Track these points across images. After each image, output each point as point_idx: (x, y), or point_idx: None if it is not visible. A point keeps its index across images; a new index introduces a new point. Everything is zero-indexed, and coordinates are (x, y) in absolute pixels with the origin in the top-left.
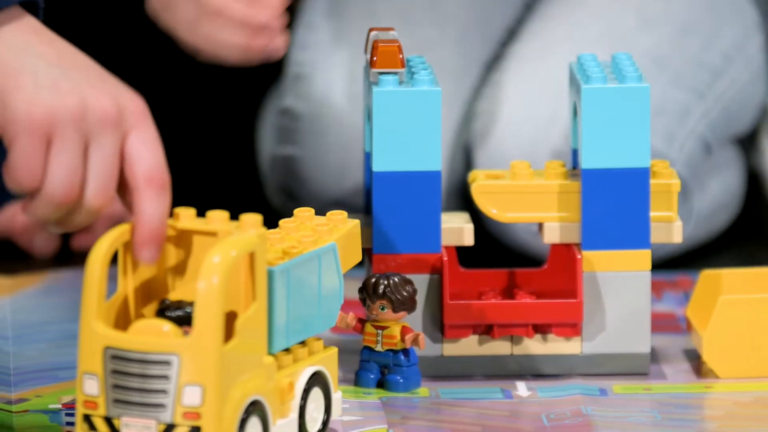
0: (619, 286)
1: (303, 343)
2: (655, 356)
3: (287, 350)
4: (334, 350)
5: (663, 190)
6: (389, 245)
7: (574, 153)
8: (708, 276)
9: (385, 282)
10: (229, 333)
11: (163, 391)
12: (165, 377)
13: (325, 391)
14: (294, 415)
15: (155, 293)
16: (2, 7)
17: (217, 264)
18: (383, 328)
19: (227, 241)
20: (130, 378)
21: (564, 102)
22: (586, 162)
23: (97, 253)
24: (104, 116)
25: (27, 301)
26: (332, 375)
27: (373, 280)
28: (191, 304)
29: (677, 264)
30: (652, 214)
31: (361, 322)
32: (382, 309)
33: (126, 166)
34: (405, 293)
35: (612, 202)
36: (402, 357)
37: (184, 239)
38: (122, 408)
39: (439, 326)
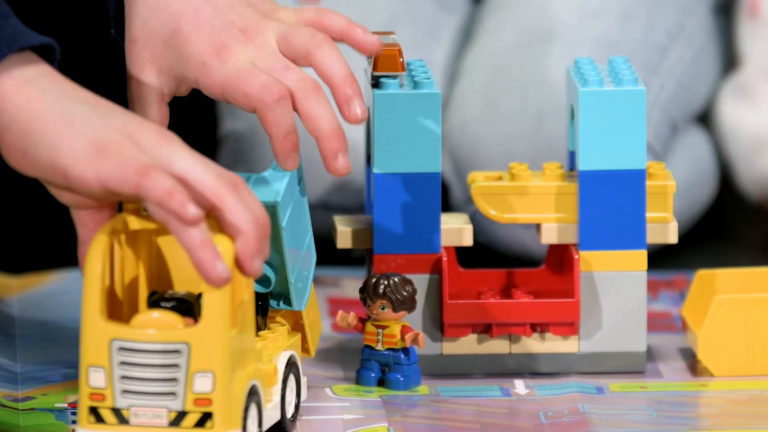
0: (615, 285)
1: (272, 329)
2: (651, 355)
3: (261, 336)
4: (299, 335)
5: (658, 191)
6: (390, 246)
7: (571, 155)
8: (703, 276)
9: (385, 282)
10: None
11: (174, 380)
12: (175, 366)
13: (296, 375)
14: (277, 398)
15: (142, 286)
16: (17, 47)
17: (222, 252)
18: (384, 327)
19: (223, 234)
20: (140, 368)
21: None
22: (583, 164)
23: (97, 247)
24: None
25: (34, 301)
26: (299, 358)
27: (374, 280)
28: (183, 295)
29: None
30: (648, 215)
31: (362, 321)
32: (383, 309)
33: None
34: (405, 293)
35: (609, 203)
36: (402, 356)
37: (165, 232)
38: (131, 398)
39: (439, 325)
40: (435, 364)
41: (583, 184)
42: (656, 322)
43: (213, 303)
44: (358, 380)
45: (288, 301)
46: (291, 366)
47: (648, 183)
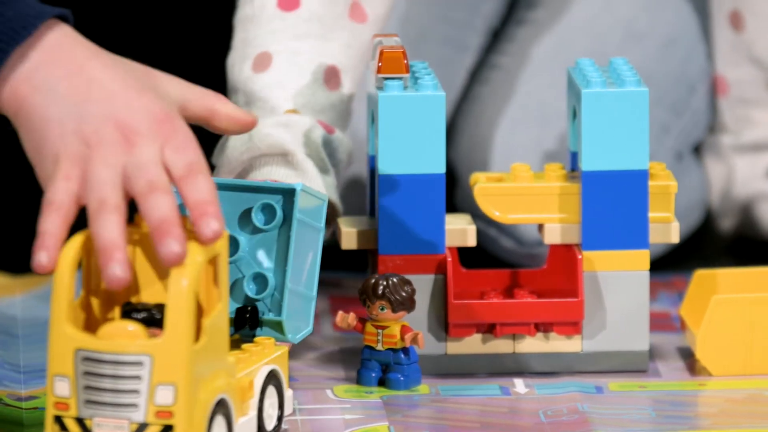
0: (618, 285)
1: (256, 342)
2: (650, 354)
3: (243, 349)
4: (285, 349)
5: (660, 191)
6: (394, 246)
7: (573, 156)
8: (701, 276)
9: (384, 283)
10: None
11: (136, 391)
12: (137, 377)
13: (278, 389)
14: (253, 412)
15: (118, 297)
16: (35, 28)
17: (186, 266)
18: (383, 327)
19: (194, 244)
20: (102, 379)
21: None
22: (586, 164)
23: (66, 257)
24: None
25: (37, 300)
26: (284, 372)
27: (373, 281)
28: (155, 306)
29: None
30: (650, 215)
31: (362, 321)
32: (382, 309)
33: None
34: (404, 293)
35: (611, 204)
36: (402, 355)
37: (144, 243)
38: (94, 408)
39: (444, 325)
40: (439, 364)
41: (585, 184)
42: (655, 322)
43: (176, 315)
44: (359, 380)
45: (279, 311)
46: (271, 379)
47: (650, 183)
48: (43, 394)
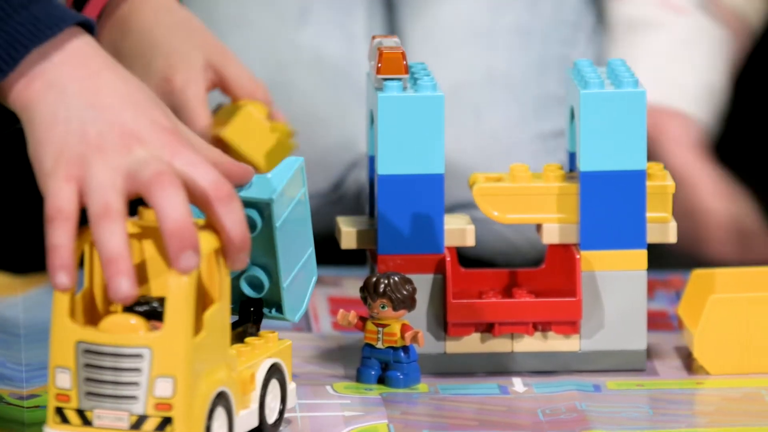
0: (616, 284)
1: (260, 335)
2: (647, 353)
3: (246, 343)
4: (289, 343)
5: (658, 191)
6: (393, 246)
7: (572, 156)
8: (699, 275)
9: (386, 281)
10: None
11: (135, 384)
12: (137, 370)
13: (281, 382)
14: (255, 405)
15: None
16: (59, 30)
17: (203, 246)
18: (384, 325)
19: (202, 237)
20: (103, 371)
21: None
22: (584, 165)
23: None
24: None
25: (38, 300)
26: (287, 366)
27: (374, 279)
28: (157, 299)
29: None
30: (648, 215)
31: (363, 320)
32: (383, 307)
33: (188, 191)
34: (405, 292)
35: (609, 204)
36: (402, 354)
37: (147, 236)
38: (95, 400)
39: (443, 324)
40: (438, 363)
41: (584, 184)
42: (653, 321)
43: (175, 308)
44: (359, 378)
45: (281, 309)
46: (274, 373)
47: (648, 183)
48: (45, 392)
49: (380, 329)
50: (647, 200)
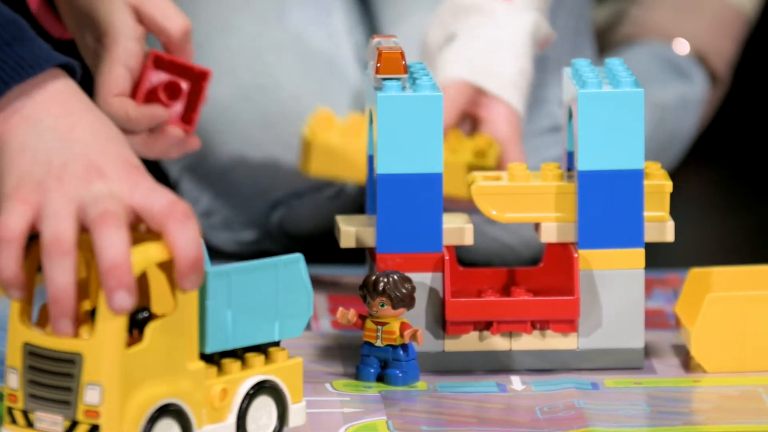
0: (614, 283)
1: (262, 351)
2: (645, 351)
3: (237, 357)
4: (299, 361)
5: (656, 191)
6: (392, 245)
7: (570, 155)
8: (696, 274)
9: (385, 280)
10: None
11: (69, 389)
12: (70, 375)
13: (277, 400)
14: (230, 420)
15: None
16: (41, 69)
17: (142, 258)
18: (383, 324)
19: (143, 247)
20: (43, 374)
21: None
22: (582, 164)
23: (26, 257)
24: (87, 181)
25: (38, 298)
26: (293, 384)
27: (373, 277)
28: (140, 308)
29: None
30: (645, 214)
31: (362, 318)
32: (382, 306)
33: (142, 215)
34: (404, 290)
35: (607, 203)
36: (401, 352)
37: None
38: (36, 402)
39: (441, 323)
40: (437, 361)
41: (581, 183)
42: (650, 320)
43: (107, 316)
44: (358, 376)
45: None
46: (263, 390)
47: (645, 182)
48: None
49: (379, 327)
50: (645, 199)
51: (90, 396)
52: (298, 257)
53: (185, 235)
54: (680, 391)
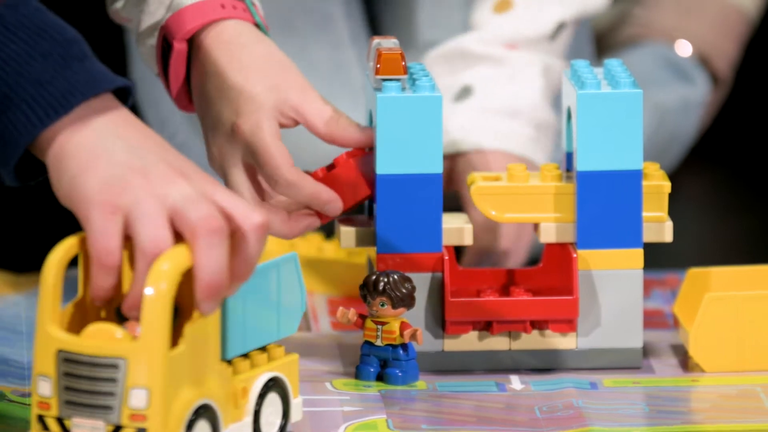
0: (612, 283)
1: (263, 349)
2: (643, 351)
3: (245, 356)
4: (295, 357)
5: (654, 191)
6: (392, 245)
7: (569, 156)
8: (694, 274)
9: (385, 279)
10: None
11: (111, 394)
12: (113, 380)
13: (282, 396)
14: (248, 419)
15: (115, 298)
16: (97, 92)
17: (164, 270)
18: (383, 323)
19: (176, 248)
20: (81, 380)
21: None
22: (581, 164)
23: (53, 259)
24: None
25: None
26: (292, 380)
27: (374, 277)
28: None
29: None
30: (644, 214)
31: (362, 317)
32: (382, 305)
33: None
34: (404, 290)
35: (606, 203)
36: (401, 351)
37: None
38: (73, 409)
39: (441, 323)
40: (436, 361)
41: (580, 184)
42: (649, 320)
43: (150, 320)
44: (357, 375)
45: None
46: (272, 387)
47: (644, 183)
48: None
49: (379, 327)
50: (643, 200)
51: (136, 399)
52: (292, 256)
53: (210, 253)
54: (679, 391)
